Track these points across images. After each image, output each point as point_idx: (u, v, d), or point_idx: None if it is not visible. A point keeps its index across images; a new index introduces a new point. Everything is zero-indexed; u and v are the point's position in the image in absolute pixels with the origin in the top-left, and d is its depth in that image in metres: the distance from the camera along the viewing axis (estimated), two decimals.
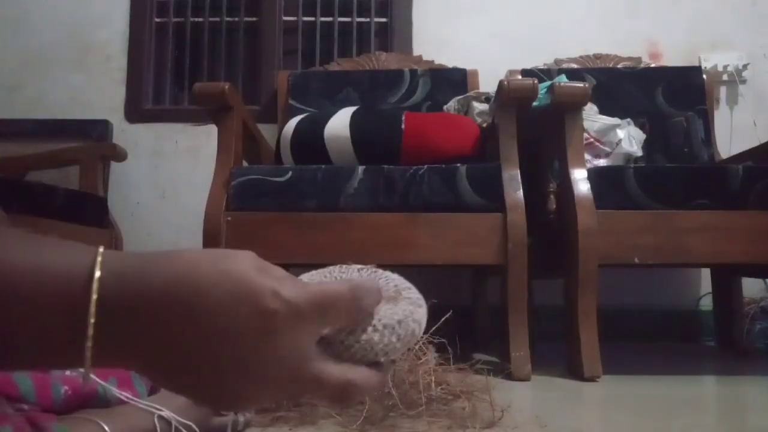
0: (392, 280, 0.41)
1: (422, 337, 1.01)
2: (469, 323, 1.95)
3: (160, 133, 2.30)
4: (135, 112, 2.32)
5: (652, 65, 2.19)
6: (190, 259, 0.32)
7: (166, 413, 0.61)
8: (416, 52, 2.28)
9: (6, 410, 0.52)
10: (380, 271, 0.43)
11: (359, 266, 0.43)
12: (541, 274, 1.60)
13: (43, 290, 0.30)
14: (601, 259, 1.38)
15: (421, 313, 0.39)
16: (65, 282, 0.31)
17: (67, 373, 0.64)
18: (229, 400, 0.33)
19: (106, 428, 0.63)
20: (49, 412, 0.60)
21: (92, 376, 0.62)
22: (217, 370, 0.31)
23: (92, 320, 0.30)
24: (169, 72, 2.40)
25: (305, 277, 0.42)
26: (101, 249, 0.32)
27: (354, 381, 0.33)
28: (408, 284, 0.41)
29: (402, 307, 0.38)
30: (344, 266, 0.43)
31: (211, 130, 1.75)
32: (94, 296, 0.30)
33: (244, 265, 0.32)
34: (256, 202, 1.45)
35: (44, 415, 0.59)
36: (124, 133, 2.28)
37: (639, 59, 2.20)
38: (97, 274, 0.31)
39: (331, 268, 0.43)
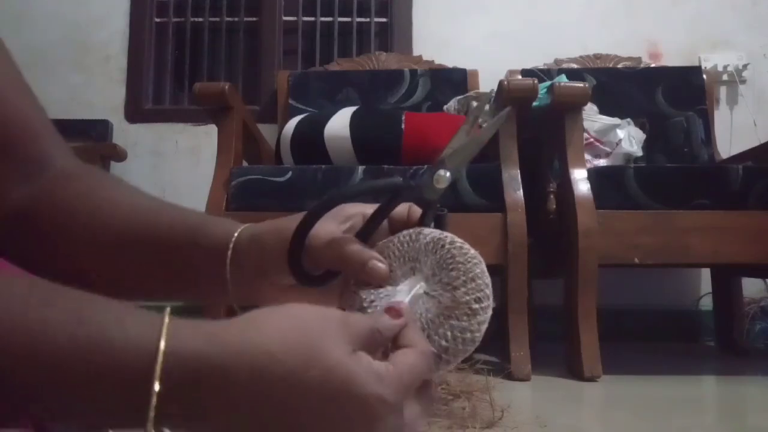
0: (457, 264, 0.40)
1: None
2: None
3: (160, 133, 2.30)
4: (135, 112, 2.32)
5: (652, 65, 2.19)
6: (277, 346, 0.31)
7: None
8: (416, 52, 2.28)
9: None
10: (449, 238, 0.41)
11: (427, 236, 0.42)
12: (541, 274, 1.60)
13: (102, 369, 0.30)
14: (601, 259, 1.38)
15: (476, 324, 0.38)
16: (125, 364, 0.30)
17: None
18: None
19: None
20: None
21: None
22: None
23: (152, 414, 0.29)
24: (169, 72, 2.40)
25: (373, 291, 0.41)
26: (165, 323, 0.31)
27: (423, 415, 0.36)
28: (473, 271, 0.40)
29: (453, 324, 0.38)
30: (413, 234, 0.42)
31: (211, 130, 1.74)
32: (156, 390, 0.29)
33: (343, 354, 0.32)
34: (256, 202, 1.45)
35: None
36: (124, 133, 2.28)
37: (639, 59, 2.20)
38: (159, 364, 0.30)
39: (399, 240, 0.42)
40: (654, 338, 2.06)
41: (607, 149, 1.74)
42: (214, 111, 1.56)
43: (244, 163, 1.66)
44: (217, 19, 2.39)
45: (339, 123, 1.65)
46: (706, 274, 2.10)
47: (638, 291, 2.10)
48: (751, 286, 2.00)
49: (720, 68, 2.21)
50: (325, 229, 0.43)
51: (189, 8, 2.39)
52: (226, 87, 1.51)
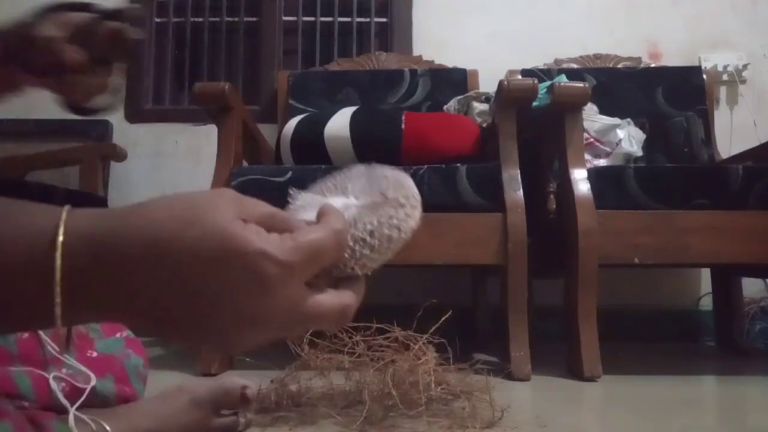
0: (386, 178, 0.41)
1: (422, 337, 1.01)
2: (469, 323, 1.95)
3: (160, 133, 2.30)
4: (135, 112, 2.32)
5: (652, 65, 2.19)
6: (164, 214, 0.32)
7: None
8: (416, 52, 2.28)
9: (6, 407, 0.52)
10: (379, 167, 0.42)
11: (358, 166, 0.43)
12: (541, 274, 1.60)
13: (7, 256, 0.30)
14: (601, 259, 1.38)
15: (402, 214, 0.38)
16: (30, 247, 0.31)
17: (64, 371, 0.64)
18: (224, 347, 0.34)
19: (107, 427, 0.63)
20: (48, 410, 0.60)
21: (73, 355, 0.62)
22: (208, 324, 0.32)
23: (58, 288, 0.30)
24: (169, 72, 2.40)
25: (306, 194, 0.43)
26: (66, 209, 0.32)
27: (347, 303, 0.36)
28: (401, 180, 0.41)
29: (380, 213, 0.38)
30: (345, 169, 0.44)
31: (211, 130, 1.74)
32: (59, 261, 0.30)
33: (226, 218, 0.32)
34: None
35: (44, 414, 0.59)
36: (124, 133, 2.28)
37: (639, 59, 2.20)
38: (61, 238, 0.31)
39: (332, 176, 0.44)
40: (654, 338, 2.06)
41: (607, 149, 1.74)
42: (214, 111, 1.56)
43: (244, 163, 1.66)
44: (217, 19, 2.39)
45: (339, 123, 1.65)
46: (706, 274, 2.10)
47: (638, 291, 2.10)
48: (751, 286, 2.00)
49: (720, 68, 2.21)
50: None
51: (189, 8, 2.39)
52: (226, 87, 1.51)
